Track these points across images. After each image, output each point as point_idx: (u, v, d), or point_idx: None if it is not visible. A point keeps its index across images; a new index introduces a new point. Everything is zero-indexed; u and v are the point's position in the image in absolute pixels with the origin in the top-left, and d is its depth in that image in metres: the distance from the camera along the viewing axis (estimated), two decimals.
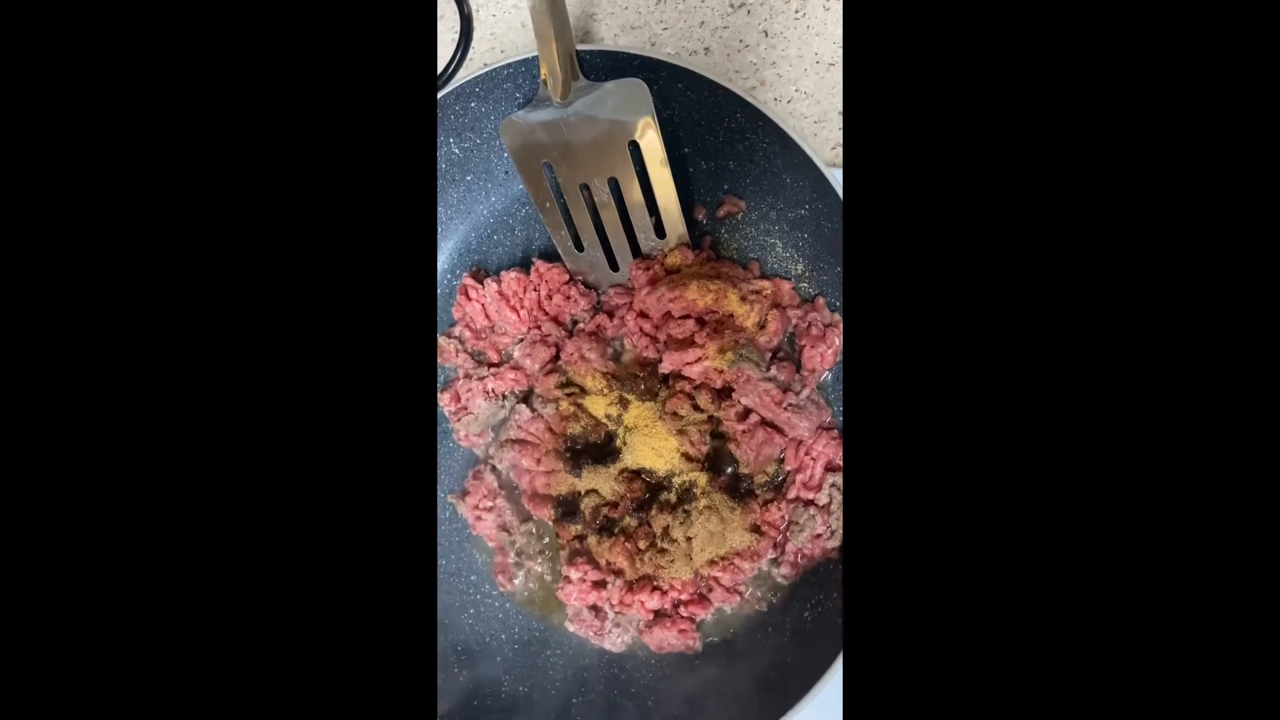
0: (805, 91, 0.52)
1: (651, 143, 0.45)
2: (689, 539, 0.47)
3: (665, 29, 0.56)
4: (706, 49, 0.55)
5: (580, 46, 0.46)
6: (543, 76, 0.46)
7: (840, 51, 0.52)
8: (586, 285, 0.52)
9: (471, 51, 0.59)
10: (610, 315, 0.51)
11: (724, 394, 0.48)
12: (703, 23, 0.55)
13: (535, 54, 0.46)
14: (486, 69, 0.49)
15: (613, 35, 0.56)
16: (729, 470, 0.48)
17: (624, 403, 0.50)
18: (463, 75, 0.59)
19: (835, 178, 0.44)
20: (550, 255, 0.53)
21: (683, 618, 0.48)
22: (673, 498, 0.48)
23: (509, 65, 0.49)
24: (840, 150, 0.51)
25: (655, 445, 0.48)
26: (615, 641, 0.49)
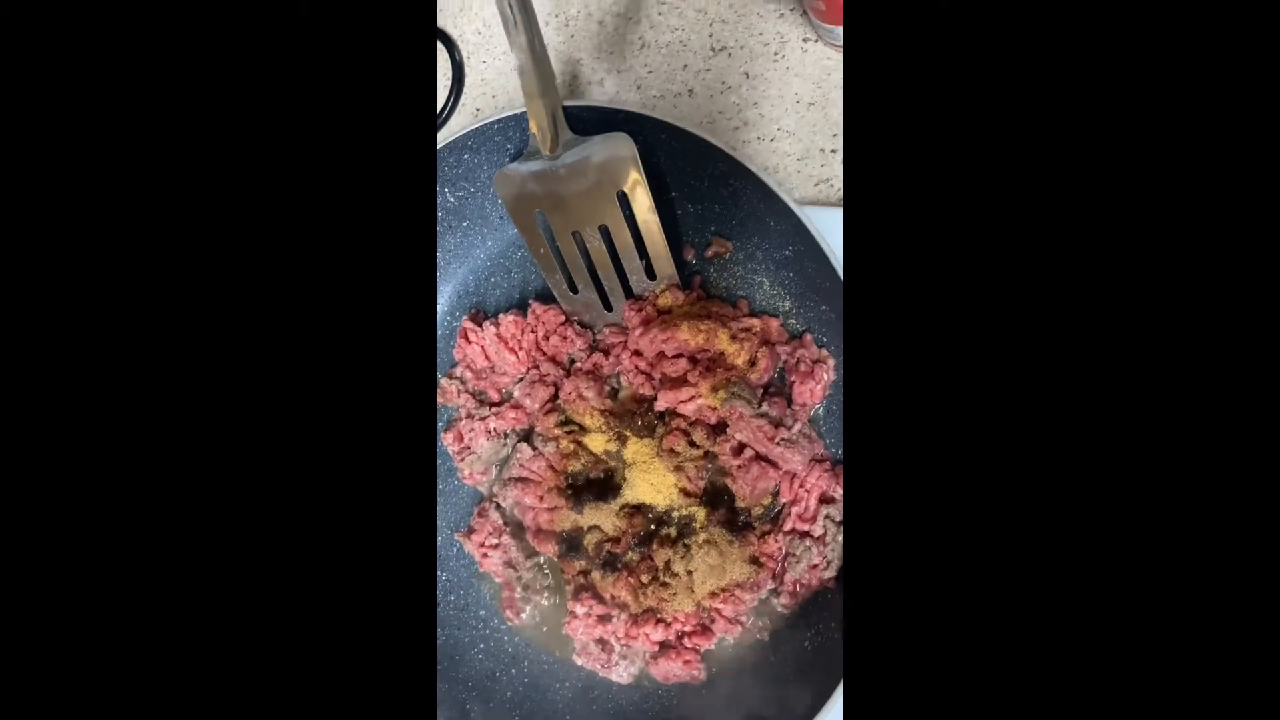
0: (787, 130, 0.54)
1: (638, 192, 0.47)
2: (690, 572, 0.48)
3: (650, 72, 0.57)
4: (690, 91, 0.56)
5: (567, 102, 0.47)
6: (532, 131, 0.47)
7: (818, 91, 0.53)
8: (582, 325, 0.54)
9: (464, 97, 0.61)
10: (606, 354, 0.53)
11: (719, 429, 0.49)
12: (685, 66, 0.56)
13: (525, 109, 0.48)
14: (478, 124, 0.51)
15: (599, 79, 0.58)
16: (727, 503, 0.49)
17: (622, 439, 0.51)
18: (455, 122, 0.61)
19: (817, 215, 0.46)
20: (546, 296, 0.54)
21: (687, 649, 0.49)
22: (673, 532, 0.49)
23: (499, 120, 0.50)
24: (823, 186, 0.53)
25: (654, 481, 0.50)
26: (622, 673, 0.51)
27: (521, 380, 0.54)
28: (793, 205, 0.45)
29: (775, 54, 0.54)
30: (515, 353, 0.54)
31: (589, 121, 0.48)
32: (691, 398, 0.48)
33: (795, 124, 0.54)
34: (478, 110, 0.61)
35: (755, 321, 0.49)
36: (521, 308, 0.55)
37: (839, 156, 0.53)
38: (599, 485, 0.52)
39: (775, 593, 0.49)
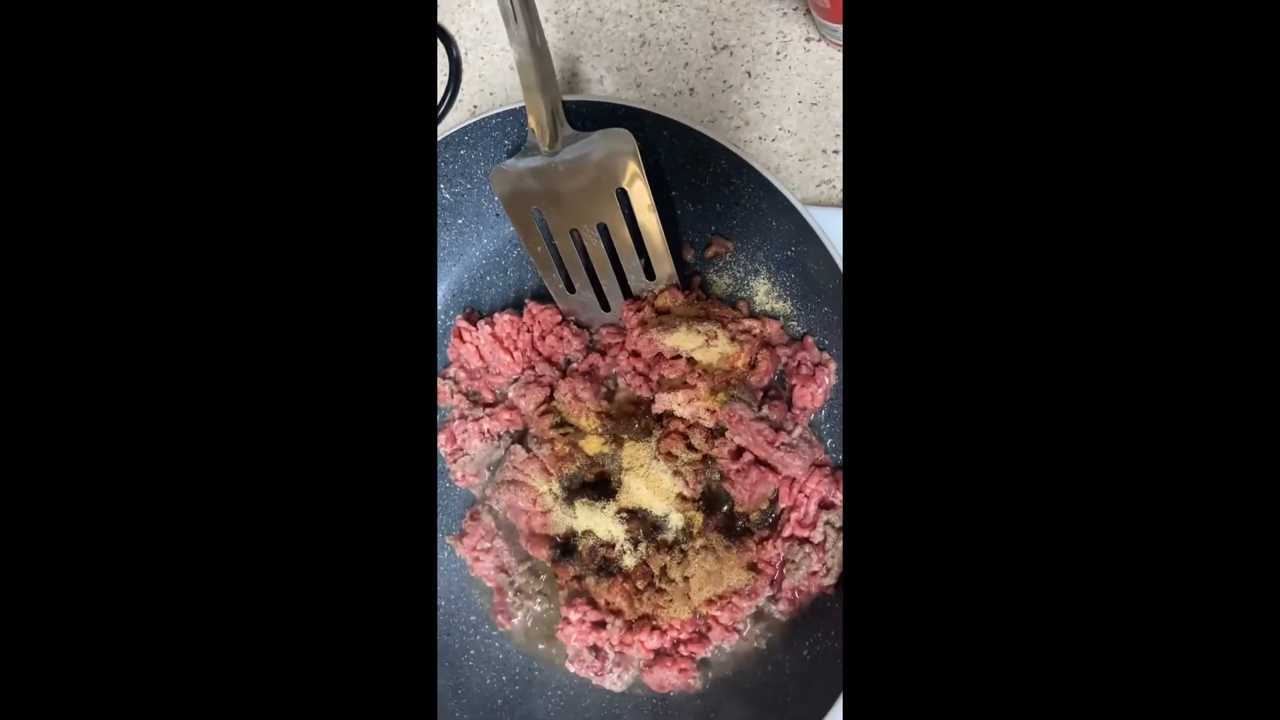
0: (789, 130, 0.53)
1: (638, 189, 0.46)
2: (686, 578, 0.47)
3: (650, 70, 0.56)
4: (691, 89, 0.55)
5: (567, 97, 0.47)
6: (531, 126, 0.46)
7: (820, 91, 0.53)
8: (579, 325, 0.53)
9: (461, 93, 0.60)
10: (603, 354, 0.52)
11: (718, 433, 0.48)
12: (687, 64, 0.56)
13: (523, 103, 0.47)
14: (475, 119, 0.50)
15: (599, 76, 0.57)
16: (724, 508, 0.48)
17: (618, 441, 0.50)
18: (452, 118, 0.60)
19: (819, 215, 0.45)
20: (542, 296, 0.53)
21: (683, 656, 0.48)
22: (669, 537, 0.48)
23: (497, 115, 0.50)
24: (825, 187, 0.52)
25: (651, 485, 0.49)
26: (615, 681, 0.50)
27: (516, 381, 0.53)
28: (796, 204, 0.44)
29: (778, 53, 0.54)
30: (510, 353, 0.53)
31: (589, 117, 0.47)
32: (690, 400, 0.47)
33: (797, 124, 0.53)
34: (475, 107, 0.60)
35: (755, 323, 0.49)
36: (517, 307, 0.54)
37: (841, 157, 0.52)
38: (594, 489, 0.51)
39: (773, 600, 0.48)
